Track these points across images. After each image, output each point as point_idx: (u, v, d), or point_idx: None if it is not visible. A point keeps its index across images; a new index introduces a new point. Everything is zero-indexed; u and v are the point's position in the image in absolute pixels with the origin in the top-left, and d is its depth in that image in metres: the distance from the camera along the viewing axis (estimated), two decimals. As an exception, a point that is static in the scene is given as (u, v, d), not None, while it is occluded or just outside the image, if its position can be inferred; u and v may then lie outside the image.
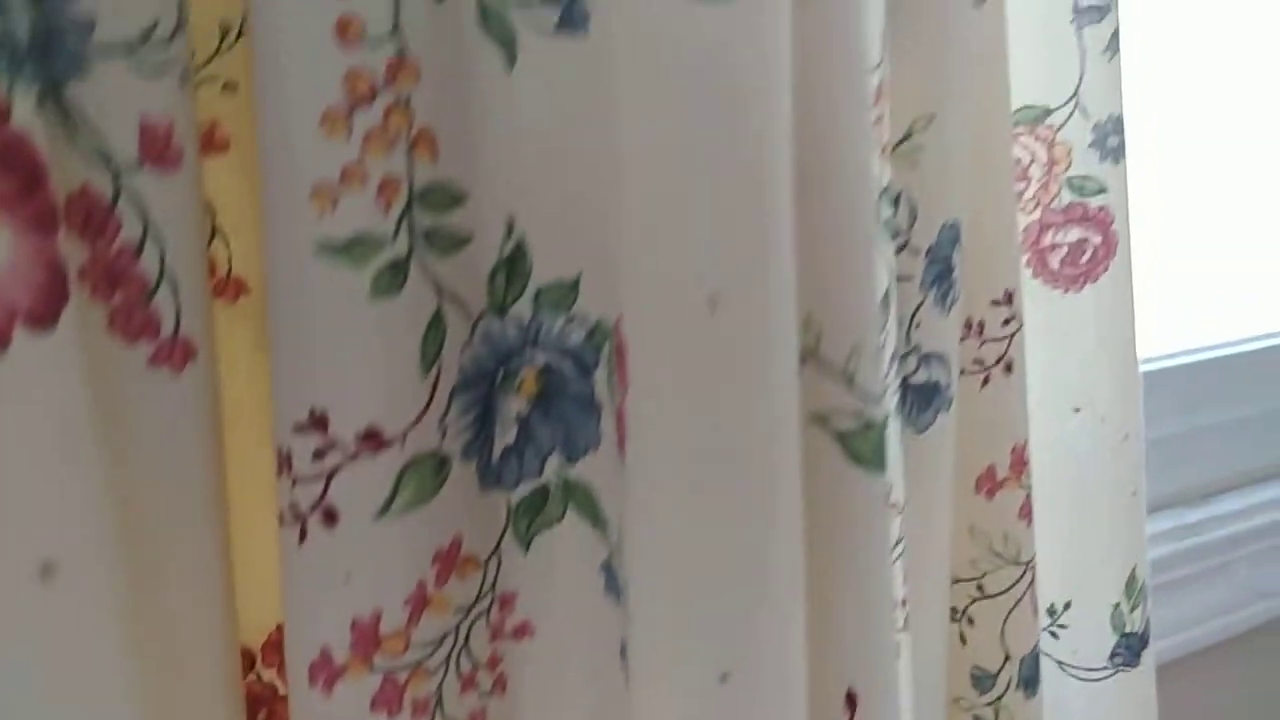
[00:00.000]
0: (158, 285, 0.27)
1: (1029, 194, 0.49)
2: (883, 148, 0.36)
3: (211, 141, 0.30)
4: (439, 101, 0.30)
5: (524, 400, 0.32)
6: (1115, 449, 0.50)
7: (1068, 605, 0.52)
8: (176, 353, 0.28)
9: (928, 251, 0.39)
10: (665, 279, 0.28)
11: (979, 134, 0.40)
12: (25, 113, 0.24)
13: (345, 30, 0.28)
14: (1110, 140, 0.47)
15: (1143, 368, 0.73)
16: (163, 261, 0.27)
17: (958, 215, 0.39)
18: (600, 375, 0.32)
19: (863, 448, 0.32)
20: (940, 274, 0.39)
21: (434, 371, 0.30)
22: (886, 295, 0.36)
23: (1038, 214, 0.49)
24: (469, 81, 0.30)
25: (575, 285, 0.32)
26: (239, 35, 0.30)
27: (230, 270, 0.31)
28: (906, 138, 0.38)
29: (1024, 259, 0.49)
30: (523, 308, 0.32)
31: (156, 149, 0.27)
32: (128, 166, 0.26)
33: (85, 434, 0.25)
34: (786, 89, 0.28)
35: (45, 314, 0.24)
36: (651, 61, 0.27)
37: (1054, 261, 0.49)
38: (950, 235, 0.39)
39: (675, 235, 0.28)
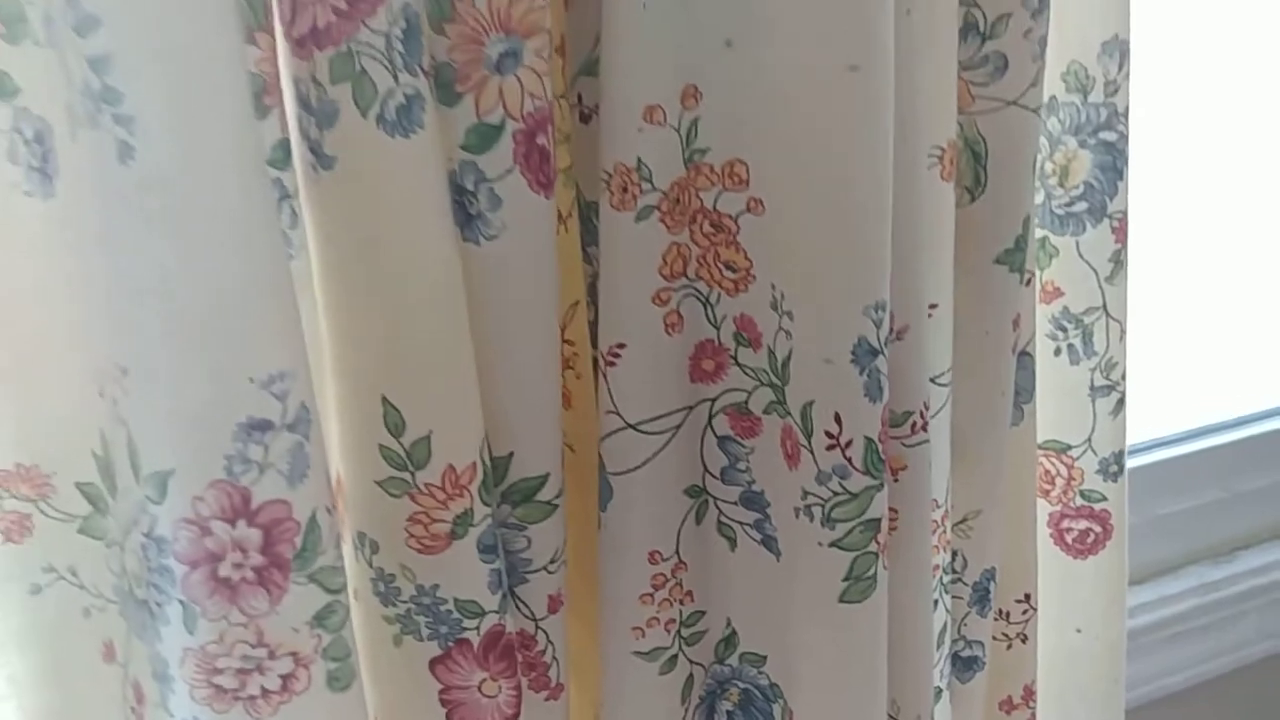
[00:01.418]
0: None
1: (1055, 492, 0.71)
2: (942, 537, 0.59)
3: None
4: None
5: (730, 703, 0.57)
6: (1103, 655, 0.73)
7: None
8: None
9: (974, 586, 0.63)
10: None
11: (1012, 502, 0.63)
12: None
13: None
14: (1111, 468, 0.69)
15: (1178, 449, 0.99)
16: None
17: (994, 564, 0.63)
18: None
19: None
20: (981, 597, 0.63)
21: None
22: (944, 629, 0.60)
23: (1059, 507, 0.71)
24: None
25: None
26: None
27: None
28: (963, 520, 0.61)
29: (1048, 534, 0.72)
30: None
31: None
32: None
33: None
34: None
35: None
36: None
37: (1068, 539, 0.72)
38: (989, 575, 0.63)
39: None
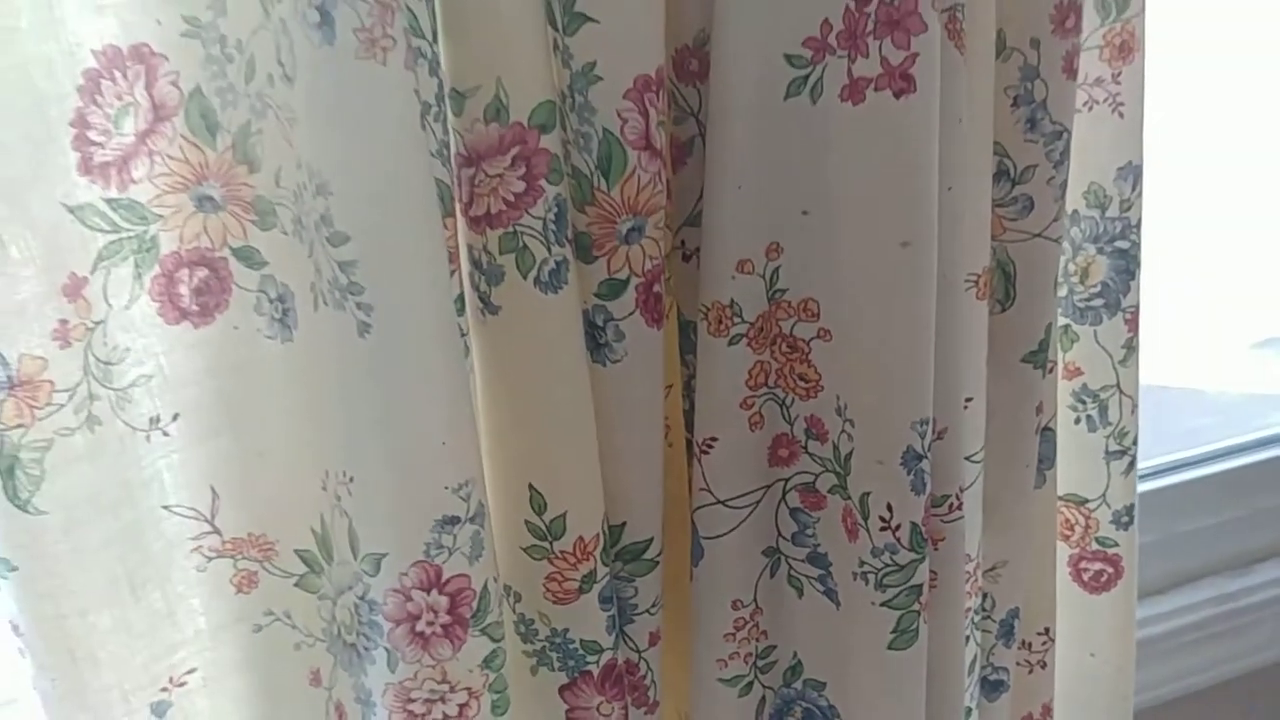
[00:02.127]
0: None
1: (1074, 538, 0.82)
2: (975, 584, 0.71)
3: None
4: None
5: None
6: (1114, 675, 0.85)
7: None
8: None
9: (1000, 623, 0.74)
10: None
11: (1034, 551, 0.75)
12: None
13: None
14: (1123, 519, 0.80)
15: (1202, 470, 1.12)
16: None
17: (1019, 604, 0.74)
18: None
19: None
20: (1006, 631, 0.75)
21: None
22: (974, 659, 0.72)
23: (1078, 550, 0.82)
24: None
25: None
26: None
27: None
28: (992, 569, 0.73)
29: (1067, 573, 0.83)
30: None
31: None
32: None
33: None
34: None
35: None
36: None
37: (1085, 577, 0.83)
38: (1014, 613, 0.74)
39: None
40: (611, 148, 0.53)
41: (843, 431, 0.60)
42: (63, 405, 0.49)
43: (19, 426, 0.49)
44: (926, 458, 0.58)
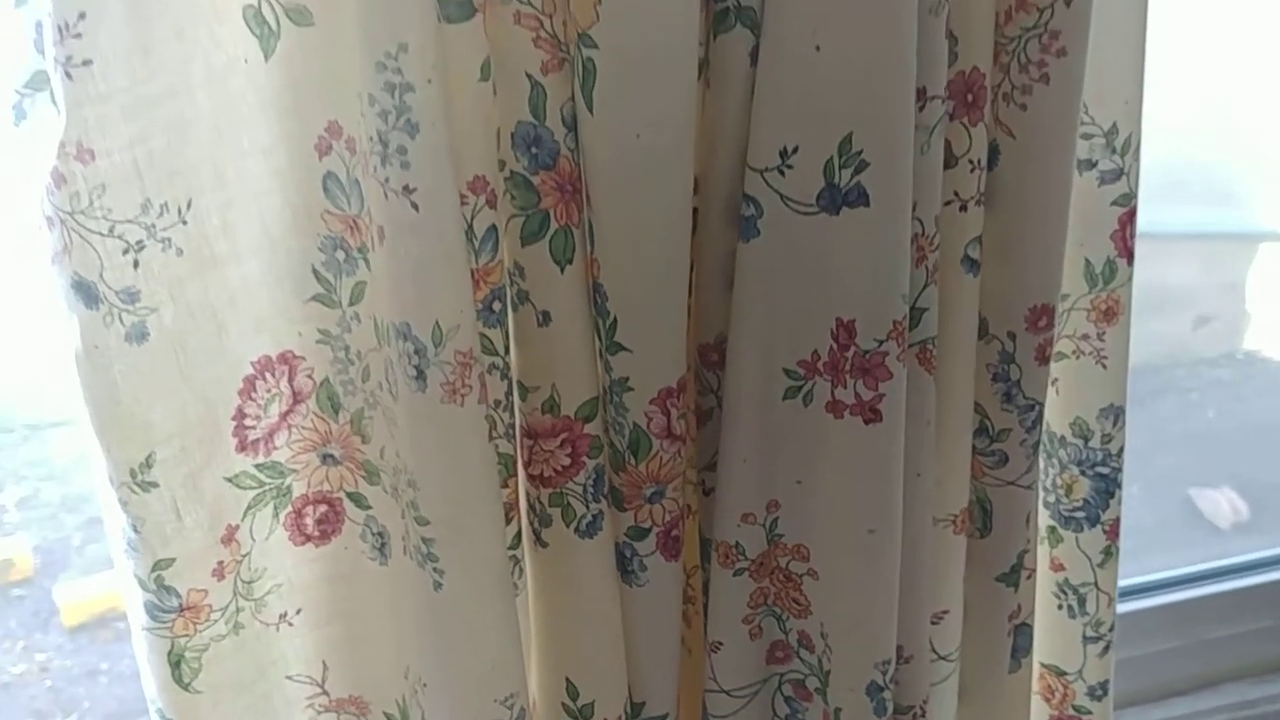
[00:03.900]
0: None
1: (1054, 700, 0.93)
2: None
3: None
4: None
5: None
6: None
7: None
8: None
9: None
10: None
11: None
12: None
13: None
14: (1098, 692, 0.91)
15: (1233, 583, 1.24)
16: None
17: None
18: None
19: None
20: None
21: None
22: None
23: (1057, 712, 0.94)
24: None
25: None
26: None
27: None
28: None
29: None
30: None
31: None
32: None
33: None
34: None
35: None
36: None
37: None
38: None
39: None
40: (639, 437, 0.67)
41: (825, 651, 0.73)
42: (217, 620, 0.66)
43: (185, 635, 0.66)
44: (888, 689, 0.71)
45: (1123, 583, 0.90)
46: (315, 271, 0.64)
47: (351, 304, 0.64)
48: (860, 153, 0.59)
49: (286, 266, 0.64)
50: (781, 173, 0.61)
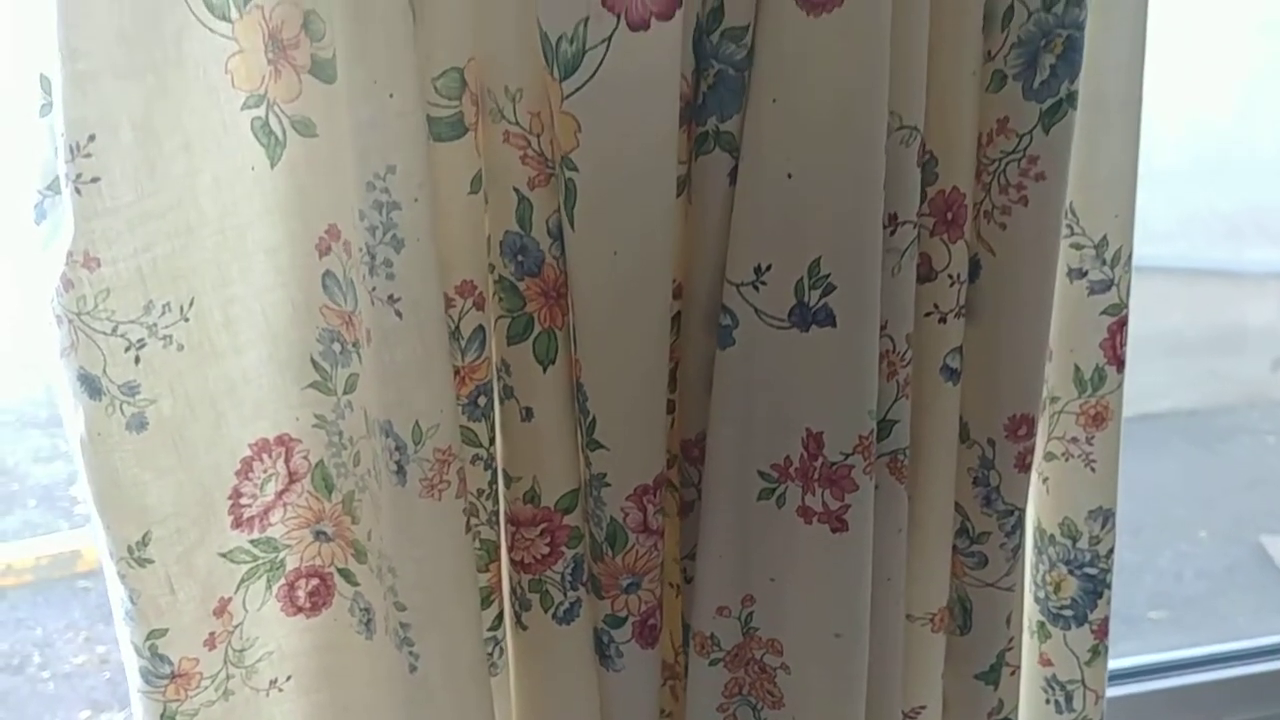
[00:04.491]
0: None
1: None
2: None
3: None
4: None
5: None
6: None
7: None
8: None
9: None
10: None
11: None
12: None
13: None
14: None
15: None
16: None
17: None
18: None
19: None
20: None
21: None
22: None
23: None
24: None
25: None
26: None
27: None
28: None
29: None
30: None
31: None
32: None
33: None
34: None
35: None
36: None
37: None
38: None
39: None
40: (617, 530, 0.69)
41: (798, 742, 0.74)
42: (207, 687, 0.70)
43: (176, 700, 0.69)
44: (853, 785, 0.72)
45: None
46: (313, 361, 0.68)
47: (346, 393, 0.68)
48: (828, 276, 0.61)
49: (286, 356, 0.67)
50: (756, 288, 0.63)
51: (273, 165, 0.63)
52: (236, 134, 0.62)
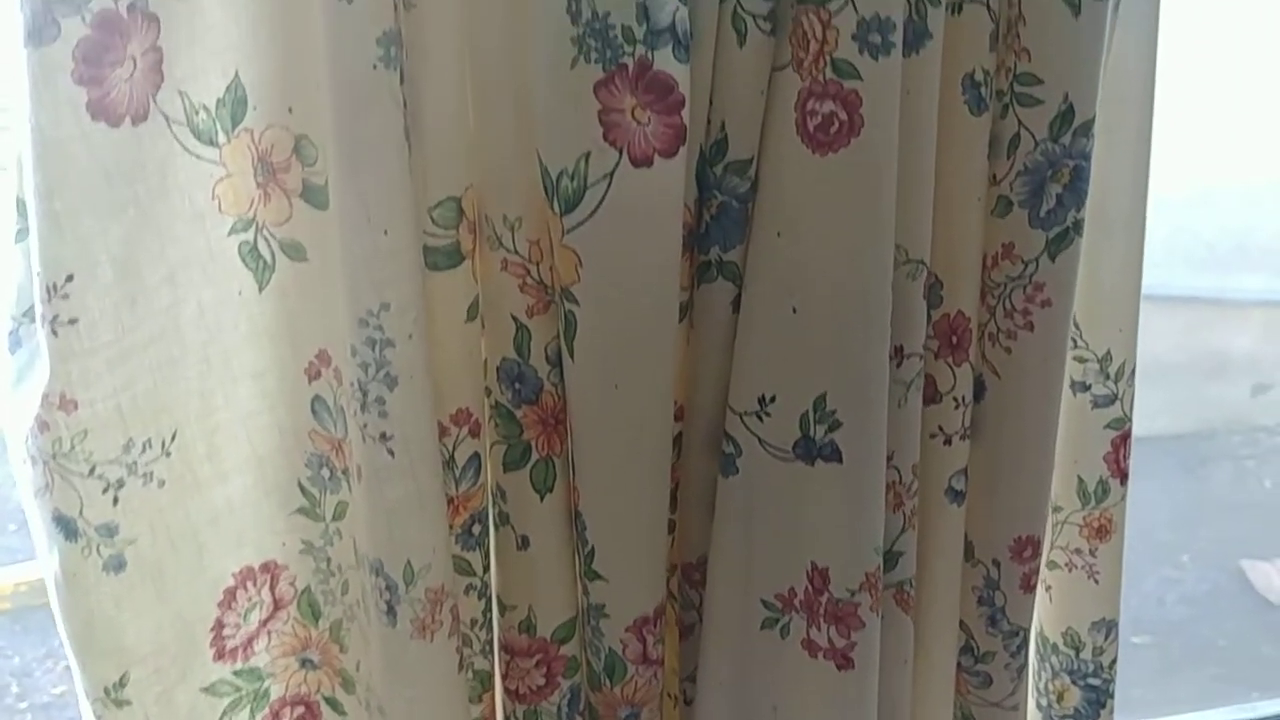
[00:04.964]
0: None
1: None
2: None
3: None
4: None
5: None
6: None
7: None
8: None
9: None
10: None
11: None
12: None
13: None
14: None
15: None
16: None
17: None
18: None
19: None
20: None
21: None
22: None
23: None
24: None
25: None
26: None
27: None
28: None
29: None
30: None
31: None
32: None
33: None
34: None
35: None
36: None
37: None
38: None
39: None
40: (615, 661, 0.67)
41: None
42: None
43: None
44: None
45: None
46: (301, 485, 0.65)
47: (334, 519, 0.65)
48: (834, 412, 0.59)
49: (274, 481, 0.65)
50: (760, 418, 0.61)
51: (261, 289, 0.61)
52: (224, 259, 0.60)
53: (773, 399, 0.61)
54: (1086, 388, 0.75)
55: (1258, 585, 2.27)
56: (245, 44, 0.57)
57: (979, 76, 0.60)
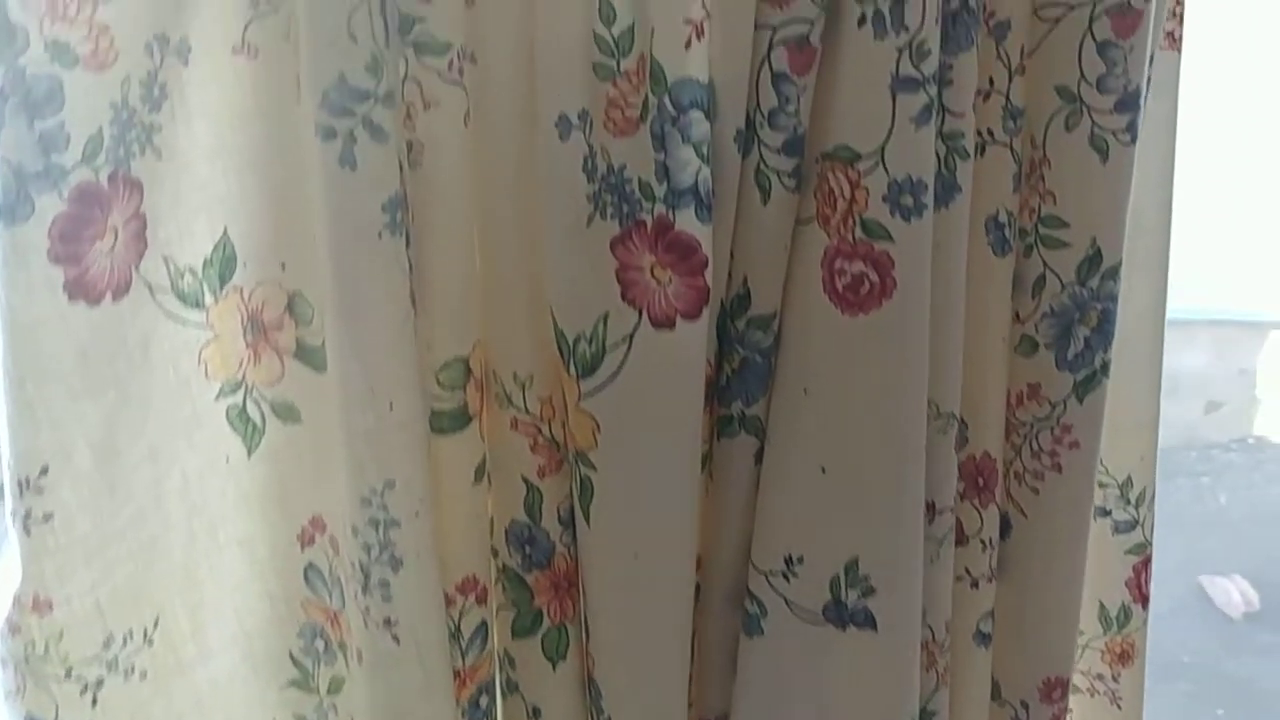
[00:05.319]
0: None
1: None
2: None
3: None
4: None
5: None
6: None
7: None
8: None
9: None
10: None
11: None
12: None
13: None
14: None
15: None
16: None
17: None
18: None
19: None
20: None
21: None
22: None
23: None
24: None
25: None
26: None
27: None
28: None
29: None
30: None
31: None
32: None
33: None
34: None
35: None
36: None
37: None
38: None
39: None
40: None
41: None
42: None
43: None
44: None
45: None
46: (292, 657, 0.60)
47: (329, 693, 0.60)
48: (867, 577, 0.56)
49: (263, 655, 0.60)
50: (786, 578, 0.58)
51: (250, 454, 0.57)
52: (210, 426, 0.55)
53: (800, 559, 0.57)
54: (1107, 513, 0.72)
55: (1217, 601, 2.28)
56: (234, 198, 0.54)
57: (1002, 218, 0.58)
